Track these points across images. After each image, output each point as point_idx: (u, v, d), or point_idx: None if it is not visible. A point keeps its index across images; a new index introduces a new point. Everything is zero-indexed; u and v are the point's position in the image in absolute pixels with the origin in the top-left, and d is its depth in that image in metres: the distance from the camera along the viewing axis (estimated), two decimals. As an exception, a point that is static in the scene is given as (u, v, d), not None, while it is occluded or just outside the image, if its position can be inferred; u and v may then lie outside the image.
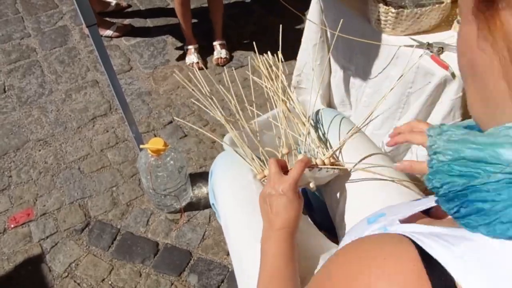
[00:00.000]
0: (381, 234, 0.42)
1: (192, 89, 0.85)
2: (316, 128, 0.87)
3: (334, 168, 0.75)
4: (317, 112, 0.90)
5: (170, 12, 2.19)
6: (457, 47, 0.38)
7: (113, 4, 2.22)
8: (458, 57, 0.38)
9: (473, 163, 0.33)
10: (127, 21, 2.13)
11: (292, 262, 0.60)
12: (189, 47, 1.93)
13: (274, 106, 0.86)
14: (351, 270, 0.37)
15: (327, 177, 0.78)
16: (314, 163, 0.73)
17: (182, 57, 1.93)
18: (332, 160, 0.76)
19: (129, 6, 2.29)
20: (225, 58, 1.92)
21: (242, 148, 0.80)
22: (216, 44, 1.94)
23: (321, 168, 0.73)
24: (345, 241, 0.55)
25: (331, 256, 0.42)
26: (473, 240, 0.33)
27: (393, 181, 0.74)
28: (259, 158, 0.80)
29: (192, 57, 1.90)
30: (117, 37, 2.03)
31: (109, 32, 2.02)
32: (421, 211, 0.49)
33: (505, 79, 0.32)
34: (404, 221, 0.47)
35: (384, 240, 0.38)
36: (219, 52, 1.92)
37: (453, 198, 0.35)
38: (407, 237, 0.35)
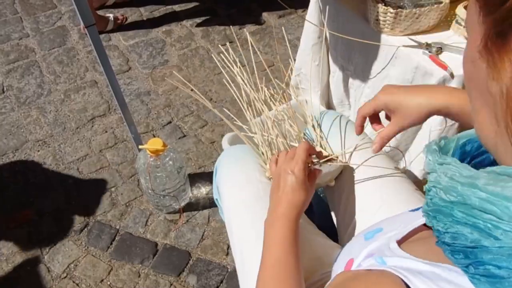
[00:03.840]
0: (373, 272, 0.41)
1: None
2: (317, 129, 0.87)
3: (337, 163, 0.75)
4: (319, 113, 0.90)
5: (169, 12, 2.18)
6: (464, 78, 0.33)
7: None
8: (466, 84, 0.33)
9: (482, 213, 0.29)
10: (121, 13, 2.12)
11: (295, 248, 0.58)
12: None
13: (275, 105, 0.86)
14: None
15: (327, 175, 0.78)
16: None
17: (182, 57, 1.93)
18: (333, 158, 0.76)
19: None
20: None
21: (252, 140, 0.80)
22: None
23: (326, 161, 0.72)
24: (340, 259, 0.53)
25: None
26: None
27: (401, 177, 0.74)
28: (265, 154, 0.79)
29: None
30: (118, 26, 2.05)
31: (109, 27, 2.03)
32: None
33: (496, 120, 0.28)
34: (401, 240, 0.44)
35: (376, 281, 0.38)
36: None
37: (460, 252, 0.31)
38: (398, 275, 0.34)
